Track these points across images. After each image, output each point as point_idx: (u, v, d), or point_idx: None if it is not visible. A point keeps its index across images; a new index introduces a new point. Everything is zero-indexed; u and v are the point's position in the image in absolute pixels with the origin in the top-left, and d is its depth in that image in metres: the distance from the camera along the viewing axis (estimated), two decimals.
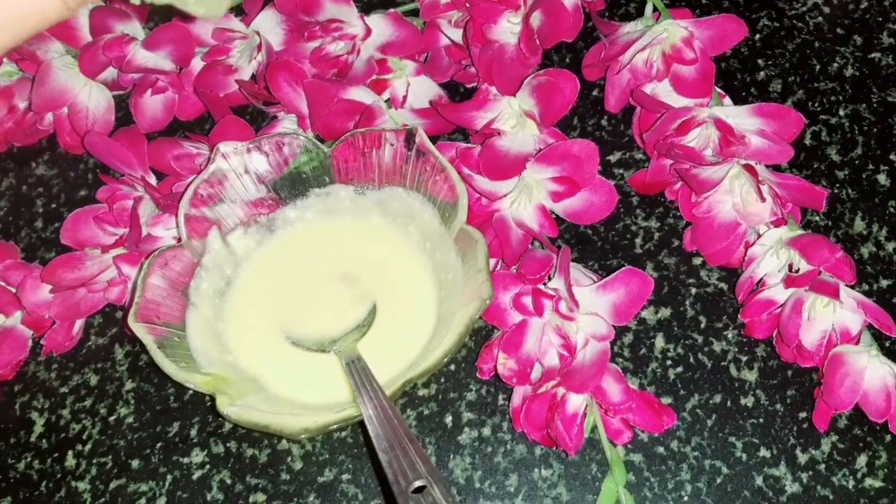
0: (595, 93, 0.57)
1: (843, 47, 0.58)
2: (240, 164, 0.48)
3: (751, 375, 0.48)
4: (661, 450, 0.46)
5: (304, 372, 0.46)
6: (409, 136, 0.47)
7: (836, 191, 0.52)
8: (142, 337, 0.42)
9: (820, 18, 0.59)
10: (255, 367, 0.46)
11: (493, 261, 0.49)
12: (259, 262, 0.50)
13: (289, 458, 0.47)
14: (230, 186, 0.48)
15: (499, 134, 0.50)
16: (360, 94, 0.53)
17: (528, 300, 0.45)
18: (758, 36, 0.58)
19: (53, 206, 0.57)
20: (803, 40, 0.58)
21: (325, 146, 0.49)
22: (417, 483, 0.34)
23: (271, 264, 0.50)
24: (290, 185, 0.50)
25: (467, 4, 0.54)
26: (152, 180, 0.52)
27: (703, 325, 0.49)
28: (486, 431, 0.47)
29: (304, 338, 0.47)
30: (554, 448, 0.46)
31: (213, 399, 0.42)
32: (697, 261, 0.51)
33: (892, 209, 0.52)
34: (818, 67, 0.57)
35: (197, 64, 0.56)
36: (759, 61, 0.57)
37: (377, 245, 0.50)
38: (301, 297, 0.48)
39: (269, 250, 0.50)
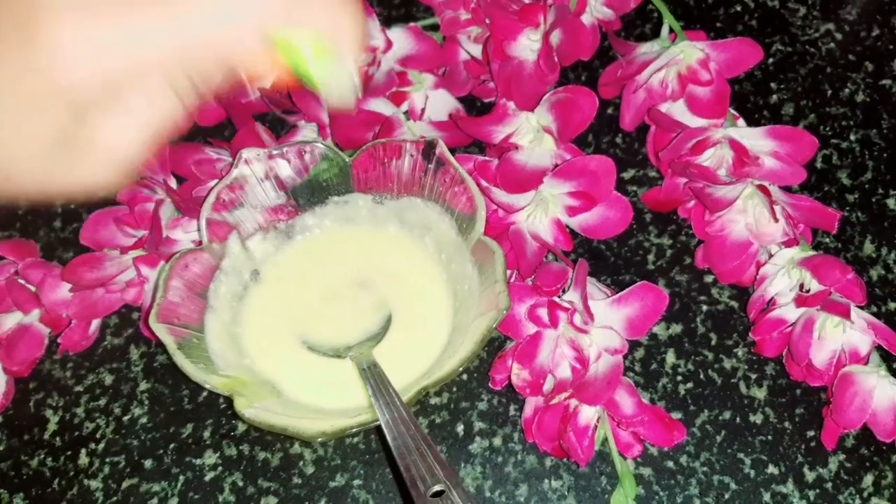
0: (610, 111, 0.58)
1: (854, 73, 0.59)
2: (261, 170, 0.49)
3: (760, 393, 0.48)
4: (670, 464, 0.47)
5: (319, 377, 0.46)
6: (430, 147, 0.48)
7: (846, 214, 0.53)
8: (162, 337, 0.43)
9: (832, 45, 0.60)
10: (272, 371, 0.46)
11: (508, 272, 0.49)
12: (277, 267, 0.50)
13: (301, 463, 0.48)
14: (251, 192, 0.49)
15: (516, 148, 0.51)
16: (379, 106, 0.54)
17: (543, 312, 0.46)
18: (771, 60, 0.60)
19: (72, 206, 0.57)
20: (816, 65, 0.59)
21: (346, 155, 0.50)
22: (436, 488, 0.35)
23: (289, 270, 0.50)
24: (309, 193, 0.50)
25: (487, 21, 0.55)
26: (173, 184, 0.53)
27: (713, 342, 0.50)
28: (497, 441, 0.48)
29: (320, 343, 0.48)
30: (564, 460, 0.47)
31: (228, 401, 0.42)
32: (709, 278, 0.52)
33: None
34: (830, 92, 0.58)
35: None
36: (772, 85, 0.58)
37: (394, 254, 0.50)
38: (317, 304, 0.49)
39: (287, 256, 0.51)
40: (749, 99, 0.58)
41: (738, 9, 0.62)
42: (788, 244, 0.48)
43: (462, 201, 0.47)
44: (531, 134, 0.52)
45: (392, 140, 0.49)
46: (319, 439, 0.40)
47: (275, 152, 0.49)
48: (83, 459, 0.49)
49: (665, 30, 0.56)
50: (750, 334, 0.49)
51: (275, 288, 0.50)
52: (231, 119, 0.57)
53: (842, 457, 0.46)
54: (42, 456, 0.49)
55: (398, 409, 0.40)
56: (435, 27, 0.58)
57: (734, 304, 0.51)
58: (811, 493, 0.46)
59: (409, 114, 0.56)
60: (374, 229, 0.51)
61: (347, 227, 0.51)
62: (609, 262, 0.53)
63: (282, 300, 0.49)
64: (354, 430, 0.40)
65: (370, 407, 0.41)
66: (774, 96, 0.58)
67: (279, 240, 0.51)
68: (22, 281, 0.50)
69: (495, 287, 0.43)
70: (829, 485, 0.46)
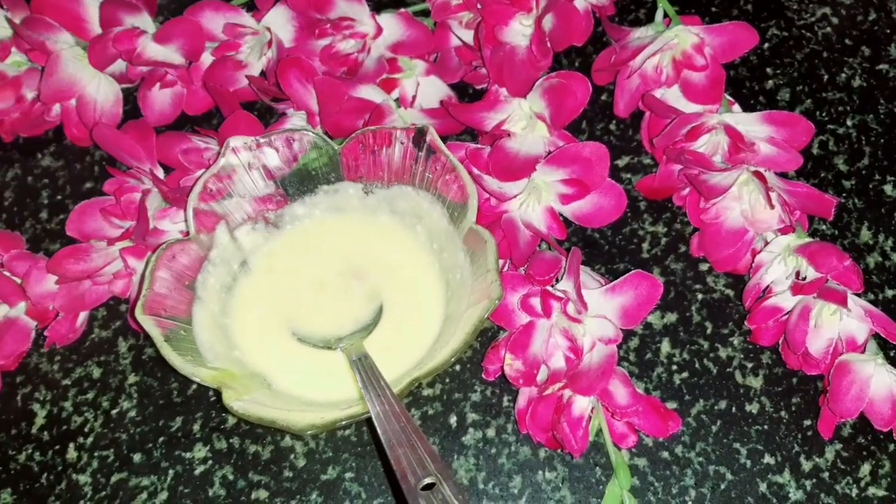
0: (604, 97, 0.57)
1: (851, 58, 0.58)
2: (249, 159, 0.48)
3: (756, 382, 0.48)
4: (665, 454, 0.46)
5: (310, 368, 0.46)
6: (420, 135, 0.47)
7: (843, 200, 0.53)
8: (149, 329, 0.42)
9: (828, 29, 0.59)
10: (262, 363, 0.46)
11: (501, 262, 0.49)
12: (266, 257, 0.49)
13: (292, 456, 0.47)
14: (239, 181, 0.48)
15: (508, 135, 0.50)
16: (369, 93, 0.53)
17: (536, 301, 0.45)
18: (767, 45, 0.59)
19: (59, 197, 0.56)
20: (812, 50, 0.58)
21: (335, 143, 0.49)
22: (427, 480, 0.34)
23: (278, 260, 0.49)
24: (298, 182, 0.50)
25: (479, 6, 0.54)
26: (160, 174, 0.52)
27: (708, 331, 0.49)
28: (491, 432, 0.47)
29: (311, 334, 0.47)
30: (558, 451, 0.46)
31: (218, 394, 0.41)
32: (704, 266, 0.51)
33: None
34: (826, 77, 0.57)
35: (206, 58, 0.55)
36: (768, 70, 0.58)
37: (385, 243, 0.50)
38: (308, 294, 0.48)
39: (277, 246, 0.50)
40: (744, 84, 0.57)
41: None
42: (784, 231, 0.48)
43: (453, 189, 0.47)
44: (524, 121, 0.51)
45: (382, 127, 0.48)
46: (310, 432, 0.40)
47: (262, 141, 0.48)
48: (71, 454, 0.48)
49: (659, 14, 0.55)
50: (746, 323, 0.48)
51: (264, 279, 0.49)
52: (218, 107, 0.57)
53: (838, 446, 0.46)
54: (30, 450, 0.48)
55: (389, 401, 0.39)
56: (426, 13, 0.57)
57: (730, 292, 0.50)
58: (808, 483, 0.45)
59: (399, 101, 0.55)
60: (365, 218, 0.51)
61: (338, 216, 0.51)
62: (603, 250, 0.52)
63: (271, 291, 0.49)
64: (345, 422, 0.40)
65: (361, 399, 0.41)
66: (770, 81, 0.57)
67: (268, 230, 0.50)
68: (7, 273, 0.50)
69: (487, 276, 0.43)
70: (826, 474, 0.45)
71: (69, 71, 0.54)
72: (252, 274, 0.49)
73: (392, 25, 0.55)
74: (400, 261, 0.49)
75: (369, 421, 0.40)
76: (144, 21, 0.55)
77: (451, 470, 0.46)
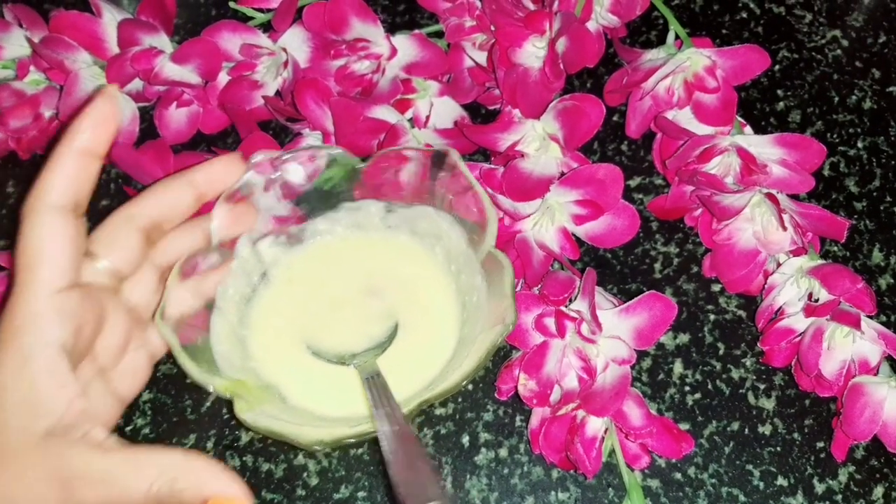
0: (615, 118, 0.58)
1: (861, 80, 0.58)
2: (270, 177, 0.48)
3: (769, 404, 0.48)
4: (678, 476, 0.46)
5: (323, 383, 0.46)
6: (440, 156, 0.47)
7: (854, 222, 0.53)
8: (167, 338, 0.42)
9: (839, 51, 0.60)
10: (276, 375, 0.46)
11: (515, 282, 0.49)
12: (286, 271, 0.50)
13: (305, 474, 0.47)
14: (260, 197, 0.48)
15: (522, 156, 0.51)
16: (384, 113, 0.53)
17: (550, 321, 0.46)
18: (777, 67, 0.59)
19: None
20: (822, 72, 0.59)
21: (356, 161, 0.49)
22: None
23: (298, 274, 0.50)
24: (318, 200, 0.50)
25: (492, 28, 0.54)
26: None
27: (721, 352, 0.50)
28: (503, 453, 0.47)
29: (325, 350, 0.47)
30: (571, 471, 0.46)
31: (232, 412, 0.42)
32: (716, 287, 0.51)
33: None
34: (837, 99, 0.58)
35: (223, 78, 0.56)
36: (779, 92, 0.58)
37: (404, 263, 0.50)
38: (325, 309, 0.48)
39: (297, 260, 0.50)
40: (755, 106, 0.58)
41: (744, 15, 0.62)
42: (797, 253, 0.48)
43: (473, 212, 0.47)
44: (537, 142, 0.52)
45: (404, 147, 0.48)
46: (316, 447, 0.40)
47: (285, 157, 0.48)
48: None
49: (671, 36, 0.56)
50: (758, 344, 0.49)
51: (283, 291, 0.49)
52: (234, 126, 0.57)
53: (852, 468, 0.46)
54: None
55: (397, 421, 0.39)
56: (439, 34, 0.58)
57: (742, 313, 0.51)
58: None
59: (413, 121, 0.56)
60: (385, 237, 0.51)
61: (359, 233, 0.51)
62: (615, 270, 0.52)
63: (289, 304, 0.49)
64: (352, 440, 0.40)
65: (371, 417, 0.41)
66: (781, 103, 0.58)
67: (290, 244, 0.50)
68: None
69: (503, 301, 0.43)
70: (839, 497, 0.45)
71: (87, 89, 0.55)
72: (271, 285, 0.49)
73: (406, 47, 0.55)
74: (418, 281, 0.49)
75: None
76: (162, 41, 0.56)
77: (452, 496, 0.46)
